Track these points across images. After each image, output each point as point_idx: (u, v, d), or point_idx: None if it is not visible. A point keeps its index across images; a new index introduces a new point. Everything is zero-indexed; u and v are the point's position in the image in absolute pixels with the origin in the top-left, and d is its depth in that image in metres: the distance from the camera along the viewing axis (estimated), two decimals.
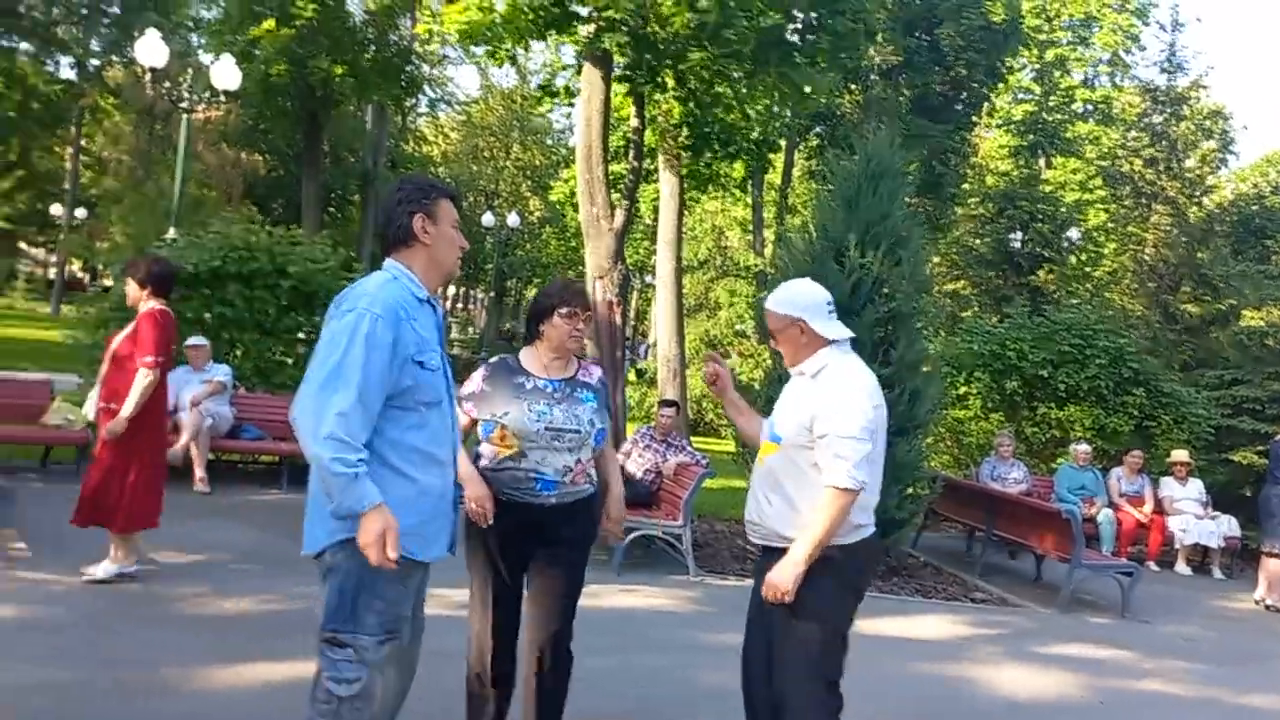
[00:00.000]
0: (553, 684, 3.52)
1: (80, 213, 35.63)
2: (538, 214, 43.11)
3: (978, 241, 26.54)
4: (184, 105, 16.28)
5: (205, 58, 25.39)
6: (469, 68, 54.82)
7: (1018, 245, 24.50)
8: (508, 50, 11.55)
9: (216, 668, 4.50)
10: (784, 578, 3.15)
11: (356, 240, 27.91)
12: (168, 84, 25.78)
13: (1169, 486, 11.16)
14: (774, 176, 25.22)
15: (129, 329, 5.56)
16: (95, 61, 32.99)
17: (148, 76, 21.02)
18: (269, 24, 21.91)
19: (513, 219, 33.26)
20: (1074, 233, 25.55)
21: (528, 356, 3.65)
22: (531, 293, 41.10)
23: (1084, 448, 11.02)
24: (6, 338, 21.35)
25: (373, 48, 25.39)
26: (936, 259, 24.96)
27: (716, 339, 25.08)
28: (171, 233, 12.53)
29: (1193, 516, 10.84)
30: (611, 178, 12.07)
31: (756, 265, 23.67)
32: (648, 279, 30.81)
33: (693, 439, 12.80)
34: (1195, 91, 26.12)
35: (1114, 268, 27.91)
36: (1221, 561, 10.94)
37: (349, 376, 2.59)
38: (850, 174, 8.42)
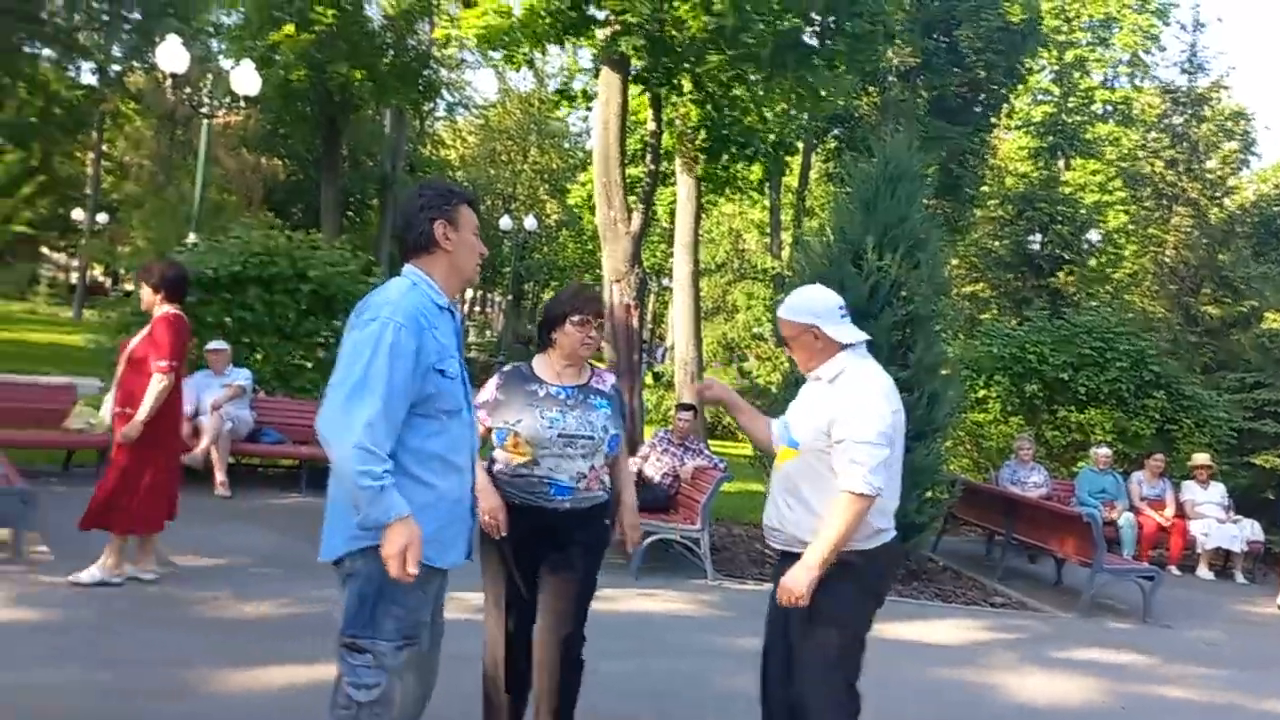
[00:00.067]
0: (563, 687, 3.51)
1: (102, 218, 35.90)
2: (555, 217, 43.22)
3: (997, 244, 26.43)
4: (204, 110, 16.41)
5: (225, 63, 25.51)
6: (487, 71, 54.98)
7: (1037, 247, 24.38)
8: (525, 54, 11.61)
9: (236, 671, 4.52)
10: (798, 581, 3.14)
11: (375, 244, 28.05)
12: (188, 89, 25.93)
13: (1190, 490, 11.08)
14: (791, 179, 25.19)
15: (143, 333, 5.59)
16: (117, 67, 33.34)
17: (169, 82, 21.18)
18: (289, 29, 22.08)
19: (530, 222, 33.34)
20: (1094, 234, 25.41)
21: (541, 364, 3.66)
22: (549, 296, 41.19)
23: (1105, 451, 10.95)
24: (29, 342, 21.54)
25: (391, 52, 25.57)
26: (955, 261, 24.88)
27: (734, 342, 25.08)
28: (192, 237, 12.61)
29: (1215, 520, 10.76)
30: (629, 181, 12.09)
31: (774, 268, 23.64)
32: (665, 282, 30.84)
33: (710, 442, 12.78)
34: (1216, 92, 25.90)
35: (1134, 270, 27.72)
36: (1244, 566, 10.85)
37: (374, 387, 2.59)
38: (868, 176, 8.39)
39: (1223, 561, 10.98)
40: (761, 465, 8.97)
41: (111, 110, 34.10)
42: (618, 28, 10.26)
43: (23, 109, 29.52)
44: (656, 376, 24.56)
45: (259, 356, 9.98)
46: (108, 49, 33.00)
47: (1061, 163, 29.30)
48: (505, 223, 33.20)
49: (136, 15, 31.33)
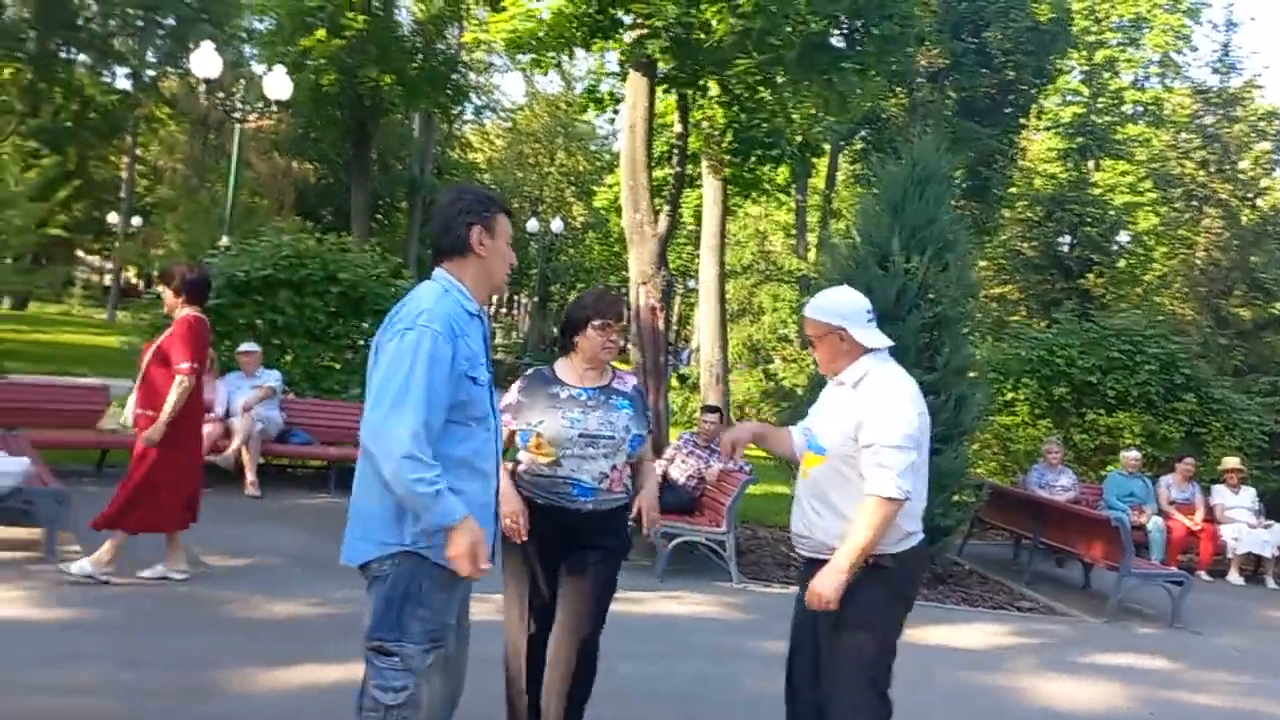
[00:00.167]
0: (578, 688, 3.52)
1: (136, 221, 36.33)
2: (581, 219, 43.35)
3: (1025, 245, 26.24)
4: (237, 115, 16.59)
5: (258, 68, 25.85)
6: (514, 75, 55.21)
7: (1066, 249, 24.19)
8: (552, 58, 11.66)
9: (263, 670, 4.58)
10: (827, 586, 3.15)
11: (403, 247, 28.24)
12: (221, 94, 26.22)
13: (1221, 494, 10.97)
14: (818, 181, 25.14)
15: (164, 335, 5.66)
16: (151, 72, 33.75)
17: (202, 87, 21.48)
18: (320, 34, 22.28)
19: (556, 224, 33.46)
20: (1123, 236, 25.18)
21: (563, 367, 3.69)
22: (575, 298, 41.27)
23: (1134, 454, 10.87)
24: (64, 343, 21.83)
25: (420, 57, 25.73)
26: (983, 263, 24.71)
27: (760, 344, 25.03)
28: (224, 240, 12.76)
29: (1245, 525, 10.65)
30: (655, 183, 12.11)
31: (800, 270, 23.60)
32: (691, 284, 30.84)
33: None
34: (1249, 92, 25.61)
35: (1164, 272, 27.46)
36: (1275, 571, 10.72)
37: (416, 395, 2.62)
38: (896, 178, 8.37)
39: (1254, 567, 10.87)
40: (787, 469, 8.97)
41: (146, 115, 34.53)
42: (644, 31, 10.29)
43: (59, 114, 29.99)
44: (682, 379, 24.56)
45: (289, 358, 10.09)
46: (142, 54, 33.41)
47: (1091, 164, 29.03)
48: (532, 225, 33.34)
49: (170, 21, 31.71)
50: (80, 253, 43.74)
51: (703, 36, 10.27)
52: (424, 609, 2.74)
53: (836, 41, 11.62)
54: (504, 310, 54.92)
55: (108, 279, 44.26)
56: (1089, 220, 24.60)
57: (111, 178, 38.16)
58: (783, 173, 19.13)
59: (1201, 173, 24.89)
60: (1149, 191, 28.19)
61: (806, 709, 3.42)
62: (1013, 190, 26.38)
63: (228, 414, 8.76)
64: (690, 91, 12.22)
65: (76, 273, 44.22)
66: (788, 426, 3.80)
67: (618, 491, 3.60)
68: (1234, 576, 10.62)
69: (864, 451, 3.20)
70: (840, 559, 3.16)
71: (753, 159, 14.95)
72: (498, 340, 40.35)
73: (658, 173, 14.29)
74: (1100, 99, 29.77)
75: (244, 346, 9.20)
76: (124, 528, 5.51)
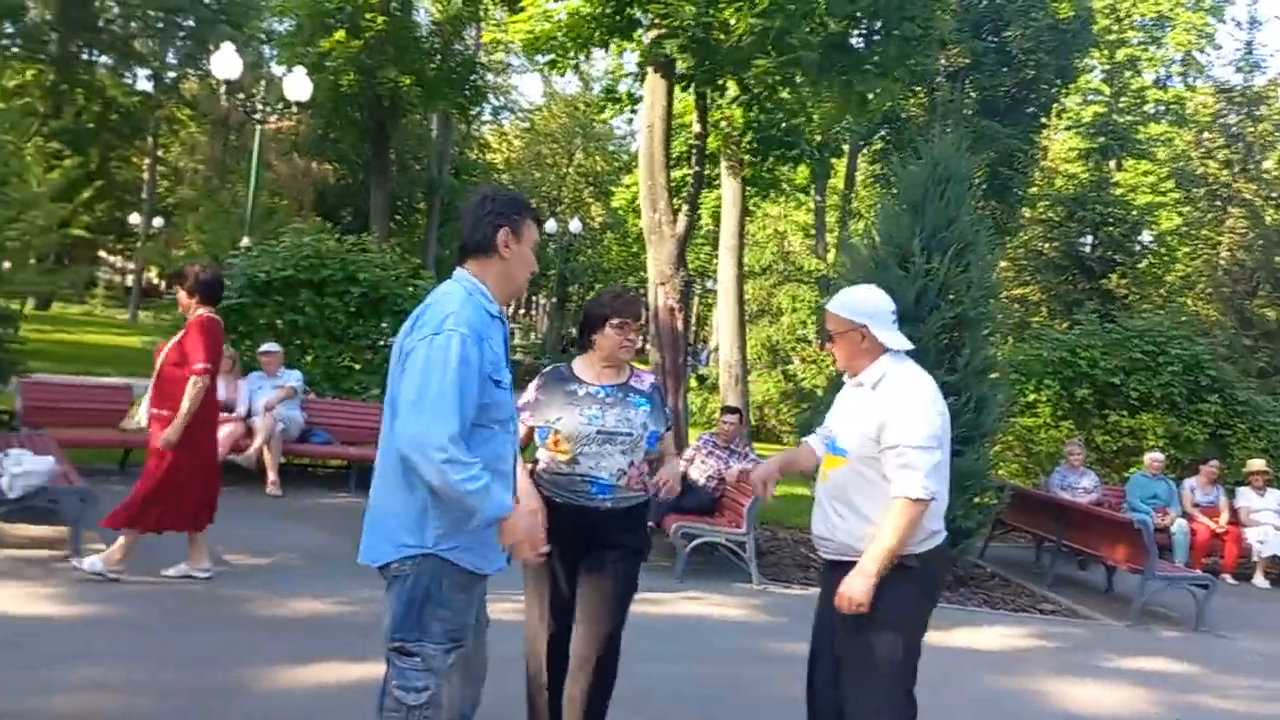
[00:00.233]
0: (600, 686, 3.51)
1: (157, 221, 36.56)
2: (599, 220, 43.40)
3: (1046, 246, 26.09)
4: (257, 116, 16.71)
5: (277, 69, 25.96)
6: (533, 75, 55.28)
7: (1088, 249, 24.04)
8: (570, 59, 11.66)
9: (285, 669, 4.60)
10: (857, 589, 3.13)
11: (422, 248, 28.32)
12: (241, 95, 26.41)
13: (1246, 497, 10.87)
14: (837, 181, 25.07)
15: (178, 336, 5.70)
16: (172, 74, 33.96)
17: (222, 88, 21.60)
18: (339, 35, 22.40)
19: (575, 225, 33.50)
20: (1146, 236, 25.00)
21: (580, 365, 3.70)
22: None
23: (1157, 456, 10.78)
24: (87, 343, 22.01)
25: (439, 58, 25.80)
26: (1004, 264, 24.60)
27: (779, 345, 24.96)
28: (245, 241, 12.83)
29: (1271, 528, 10.53)
30: (673, 183, 12.11)
31: (819, 270, 23.53)
32: (709, 284, 30.79)
33: (755, 445, 12.76)
34: (1273, 91, 25.41)
35: (1187, 272, 27.25)
36: None
37: (451, 399, 2.62)
38: (916, 178, 8.34)
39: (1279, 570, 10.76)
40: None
41: (167, 116, 34.75)
42: (662, 31, 10.29)
43: (81, 115, 30.20)
44: (701, 379, 24.53)
45: (309, 359, 10.14)
46: (163, 56, 33.64)
47: (1113, 163, 28.85)
48: (550, 226, 33.37)
49: (191, 23, 31.90)
50: (102, 253, 44.04)
51: (721, 36, 10.25)
52: (444, 609, 2.75)
53: (856, 42, 11.57)
54: (522, 311, 55.05)
55: (130, 279, 44.58)
56: (1111, 220, 24.45)
57: (133, 179, 38.42)
58: (802, 173, 19.11)
59: (1225, 172, 24.72)
60: (1171, 191, 28.00)
61: (828, 711, 3.40)
62: (1034, 190, 26.25)
63: (249, 414, 8.81)
64: (709, 91, 12.20)
65: (99, 273, 44.54)
66: (805, 440, 3.78)
67: (636, 489, 3.60)
68: (1259, 580, 10.52)
69: (888, 453, 3.18)
70: (869, 562, 3.14)
71: (771, 158, 14.91)
72: (516, 341, 40.45)
73: (676, 173, 14.29)
74: (1122, 98, 29.60)
75: (265, 347, 9.25)
76: (140, 527, 5.54)
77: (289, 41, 24.32)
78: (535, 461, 3.63)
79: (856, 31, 11.43)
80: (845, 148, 21.95)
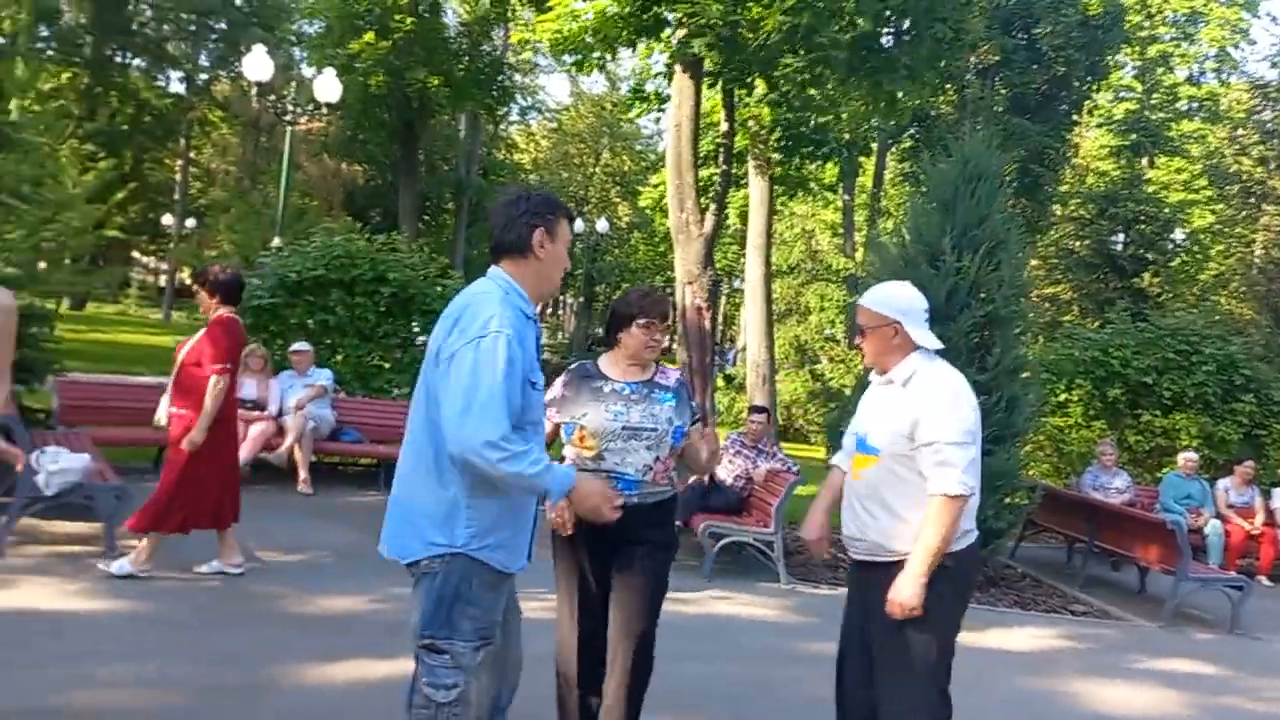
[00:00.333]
0: (636, 683, 3.51)
1: (190, 222, 36.91)
2: (627, 219, 43.40)
3: (1078, 244, 25.84)
4: (288, 117, 16.83)
5: (308, 71, 26.16)
6: (560, 75, 55.40)
7: (1119, 248, 23.80)
8: (597, 59, 11.69)
9: (315, 665, 4.63)
10: (908, 593, 3.11)
11: (450, 247, 28.44)
12: (272, 97, 26.60)
13: None
14: (865, 179, 24.95)
15: (198, 336, 5.75)
16: (204, 76, 34.25)
17: (254, 90, 21.77)
18: (369, 37, 22.53)
19: (602, 225, 33.52)
20: (1178, 234, 24.72)
21: (606, 362, 3.71)
22: None
23: (1191, 456, 10.65)
24: (121, 343, 22.26)
25: (467, 58, 25.91)
26: (1035, 262, 24.39)
27: (806, 344, 24.90)
28: (276, 241, 12.94)
29: None
30: (701, 183, 12.10)
31: (847, 269, 23.44)
32: (737, 284, 30.76)
33: (783, 445, 12.73)
34: None
35: (1221, 270, 26.90)
36: None
37: (500, 400, 2.63)
38: (946, 176, 8.29)
39: None
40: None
41: (199, 118, 35.06)
42: (690, 29, 10.28)
43: (115, 117, 30.52)
44: (728, 379, 24.51)
45: (340, 358, 10.21)
46: (195, 58, 33.93)
47: (1145, 161, 28.52)
48: (577, 225, 33.35)
49: (222, 25, 32.18)
50: (136, 254, 44.50)
51: (749, 35, 10.23)
52: (474, 607, 2.77)
53: (886, 42, 11.52)
54: (549, 311, 55.15)
55: (163, 280, 45.02)
56: (1143, 218, 24.19)
57: (166, 180, 38.80)
58: (830, 171, 19.04)
59: (1259, 169, 24.39)
60: (1205, 189, 27.65)
61: (857, 711, 3.39)
62: (1065, 188, 26.00)
63: (280, 412, 8.87)
64: (737, 89, 12.18)
65: (132, 274, 45.02)
66: (833, 463, 3.75)
67: (662, 484, 3.60)
68: None
69: (923, 450, 3.16)
70: (915, 564, 3.12)
71: (799, 157, 14.88)
72: (544, 341, 40.50)
73: (703, 172, 14.26)
74: (1154, 95, 29.25)
75: (296, 346, 9.32)
76: (164, 529, 5.58)
77: (319, 43, 24.48)
78: (561, 458, 3.64)
79: (886, 31, 11.36)
80: (874, 146, 21.82)
